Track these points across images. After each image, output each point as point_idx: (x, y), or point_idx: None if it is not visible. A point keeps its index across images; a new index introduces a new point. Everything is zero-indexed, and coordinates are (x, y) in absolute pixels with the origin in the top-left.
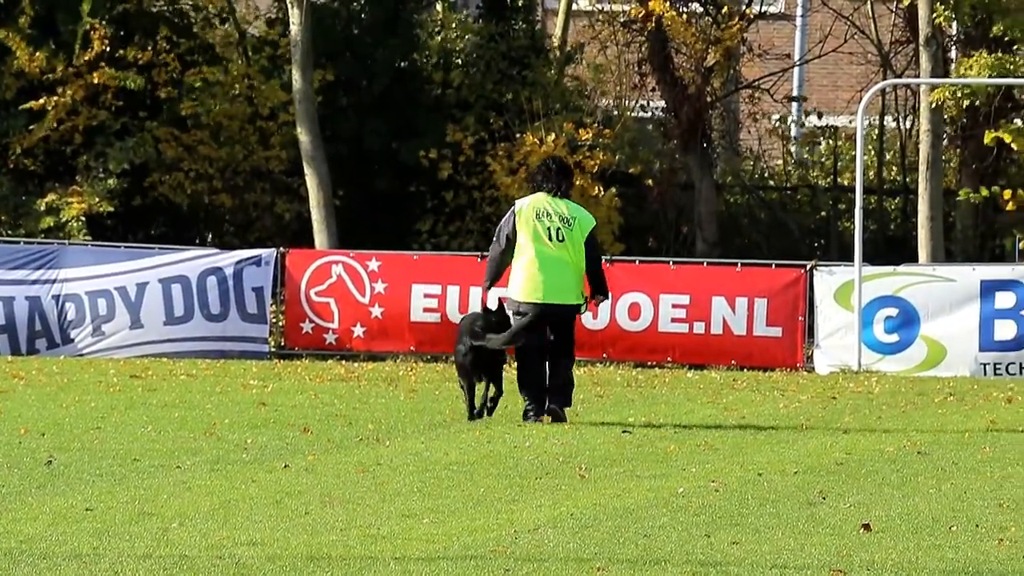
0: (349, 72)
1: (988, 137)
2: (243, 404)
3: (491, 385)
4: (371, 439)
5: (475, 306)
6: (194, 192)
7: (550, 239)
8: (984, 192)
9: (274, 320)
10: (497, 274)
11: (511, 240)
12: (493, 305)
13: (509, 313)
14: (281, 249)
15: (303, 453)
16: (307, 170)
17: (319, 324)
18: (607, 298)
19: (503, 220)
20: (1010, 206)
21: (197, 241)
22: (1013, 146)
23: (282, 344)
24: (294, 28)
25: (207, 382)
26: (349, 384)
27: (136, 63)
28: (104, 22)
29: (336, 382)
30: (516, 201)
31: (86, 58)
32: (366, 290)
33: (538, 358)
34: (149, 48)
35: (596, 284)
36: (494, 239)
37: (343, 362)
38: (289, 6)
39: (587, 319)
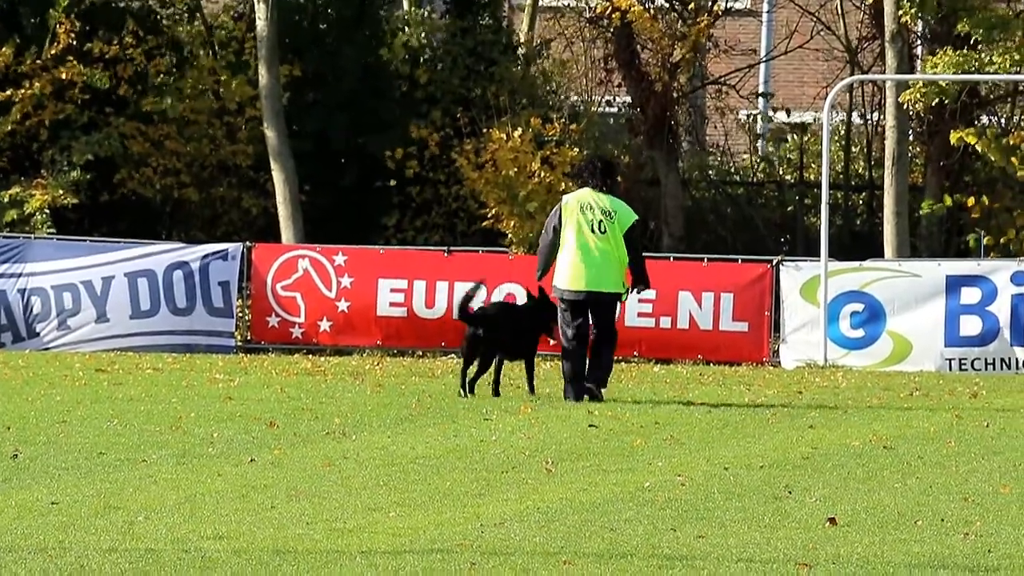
0: (316, 68)
1: (954, 137)
2: (209, 398)
3: (524, 364)
4: (337, 433)
5: (441, 302)
6: (162, 187)
7: (593, 231)
8: (948, 201)
9: (240, 314)
10: (548, 263)
11: (558, 231)
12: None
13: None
14: (247, 244)
15: (269, 447)
16: (273, 165)
17: (285, 318)
18: (647, 287)
19: (551, 214)
20: (975, 213)
21: (164, 236)
22: (978, 148)
23: (248, 338)
24: (260, 23)
25: (173, 376)
26: (315, 378)
27: (103, 58)
28: (71, 17)
29: (302, 376)
30: (563, 196)
31: (52, 52)
32: (332, 284)
33: (580, 347)
34: (115, 43)
35: (637, 275)
36: (543, 232)
37: (309, 356)
38: (255, 1)
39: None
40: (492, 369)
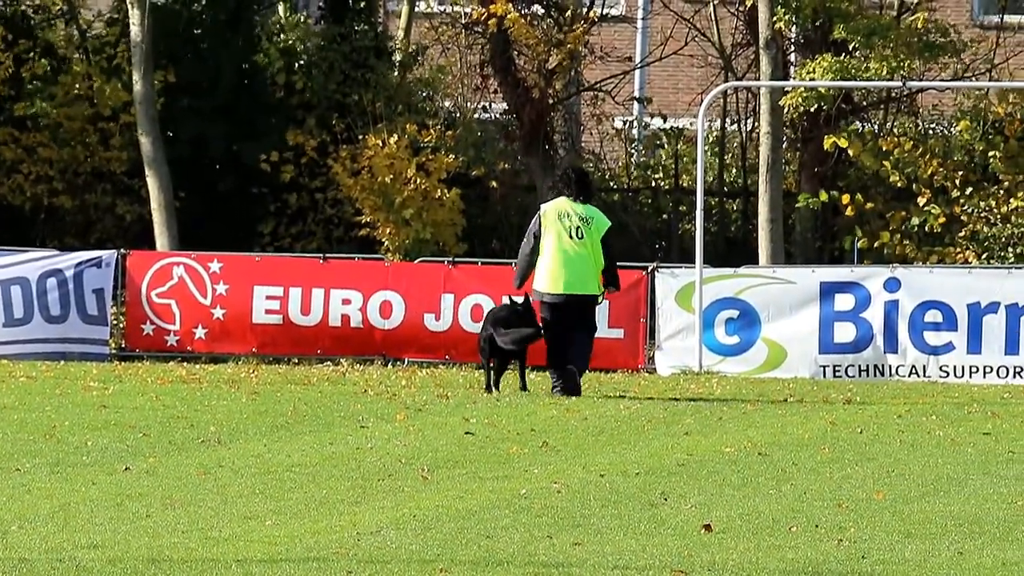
0: (191, 74)
1: (827, 142)
2: (83, 406)
3: (517, 363)
4: (212, 441)
5: (317, 309)
6: (34, 194)
7: (571, 237)
8: (823, 196)
9: (115, 322)
10: (527, 270)
11: (538, 238)
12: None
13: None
14: (122, 251)
15: (144, 455)
16: (148, 172)
17: (160, 326)
18: (618, 290)
19: (531, 223)
20: (849, 211)
21: (37, 243)
22: (850, 151)
23: (123, 346)
24: (134, 29)
25: (47, 384)
26: (190, 386)
27: None
28: None
29: (177, 384)
30: (542, 205)
31: None
32: (207, 292)
33: (564, 341)
34: None
35: (609, 277)
36: (524, 240)
37: (184, 364)
38: (129, 7)
39: (430, 320)
40: (494, 368)
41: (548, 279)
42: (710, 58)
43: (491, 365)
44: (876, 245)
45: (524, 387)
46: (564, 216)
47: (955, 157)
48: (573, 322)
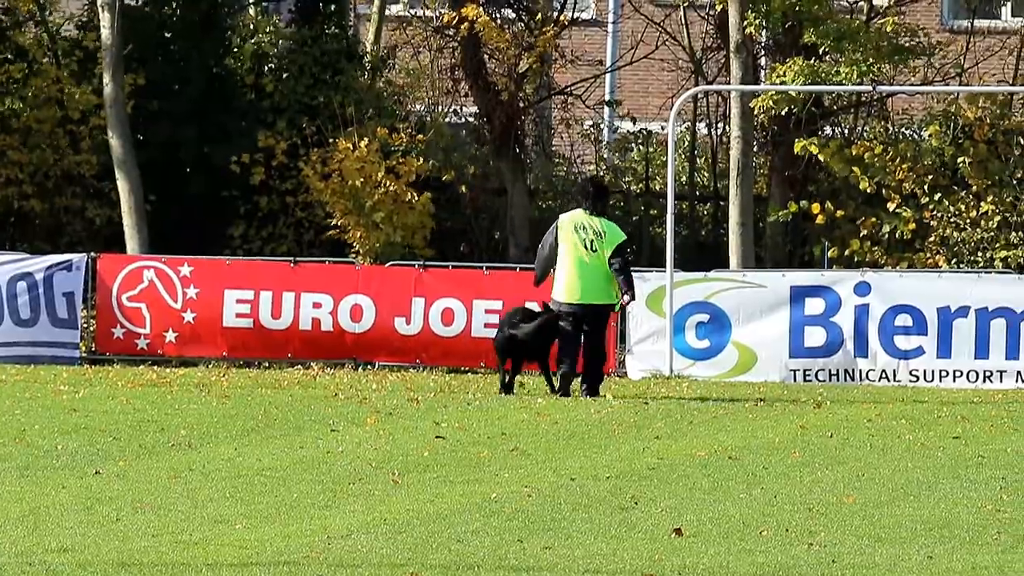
0: (161, 76)
1: (797, 147)
2: (54, 410)
3: (548, 364)
4: (183, 445)
5: (288, 313)
6: (3, 197)
7: (586, 248)
8: (794, 207)
9: (85, 325)
10: (544, 273)
11: (554, 248)
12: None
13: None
14: (92, 254)
15: (114, 459)
16: (118, 175)
17: (131, 329)
18: (634, 299)
19: (547, 233)
20: (819, 219)
21: (7, 246)
22: (820, 157)
23: (93, 349)
24: (104, 32)
25: (17, 388)
26: (161, 390)
27: None
28: None
29: (148, 388)
30: (559, 216)
31: None
32: (178, 295)
33: (575, 338)
34: None
35: (625, 287)
36: (540, 247)
37: (155, 367)
38: (100, 10)
39: (400, 324)
40: (509, 371)
41: (565, 289)
42: (681, 62)
43: (506, 368)
44: (847, 252)
45: (553, 389)
46: (580, 228)
47: (925, 162)
48: (587, 329)
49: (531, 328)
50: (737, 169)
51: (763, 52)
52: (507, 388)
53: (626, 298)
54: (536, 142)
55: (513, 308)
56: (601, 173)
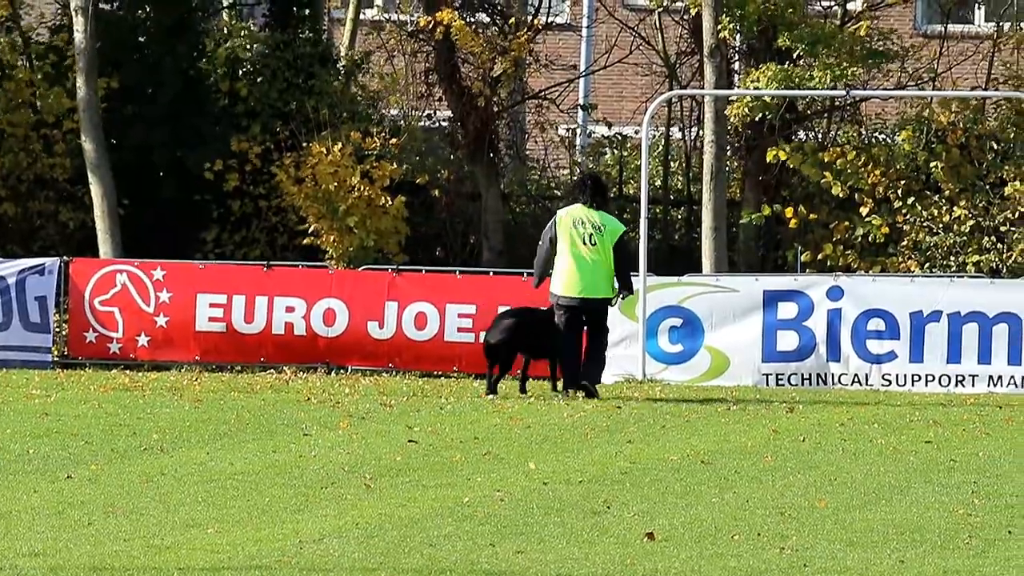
0: (135, 80)
1: (769, 155)
2: (25, 414)
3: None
4: (155, 449)
5: (261, 317)
6: None
7: (585, 243)
8: (767, 211)
9: (57, 329)
10: (543, 274)
11: (553, 243)
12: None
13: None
14: (65, 258)
15: (86, 463)
16: (91, 179)
17: (103, 333)
18: (631, 294)
19: (547, 227)
20: (792, 223)
21: None
22: (790, 164)
23: (66, 353)
24: (78, 35)
25: None
26: (133, 394)
27: None
28: None
29: (120, 392)
30: (558, 211)
31: None
32: (151, 299)
33: (576, 340)
34: None
35: (622, 282)
36: (539, 243)
37: (127, 372)
38: (73, 13)
39: (373, 328)
40: (519, 374)
41: (564, 283)
42: (655, 66)
43: (494, 373)
44: (820, 257)
45: (555, 388)
46: (579, 223)
47: (898, 166)
48: (588, 325)
49: (501, 329)
50: (710, 173)
51: (737, 56)
52: (494, 390)
53: (623, 294)
54: (510, 146)
55: (507, 310)
56: (575, 178)
